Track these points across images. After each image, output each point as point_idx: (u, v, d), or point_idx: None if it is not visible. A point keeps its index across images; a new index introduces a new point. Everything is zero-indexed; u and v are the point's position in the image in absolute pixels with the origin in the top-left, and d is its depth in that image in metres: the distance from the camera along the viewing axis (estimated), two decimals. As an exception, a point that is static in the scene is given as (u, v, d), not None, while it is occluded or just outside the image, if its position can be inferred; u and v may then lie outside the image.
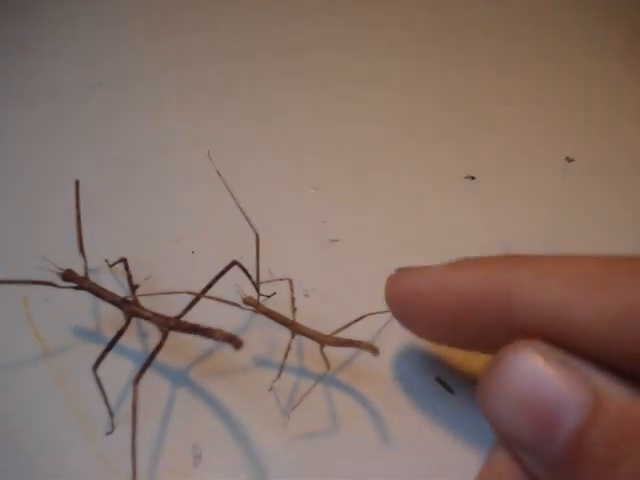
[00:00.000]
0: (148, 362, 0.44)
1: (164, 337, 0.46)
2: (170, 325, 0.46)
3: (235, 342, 0.40)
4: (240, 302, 0.47)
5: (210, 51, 0.79)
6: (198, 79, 0.75)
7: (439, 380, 0.49)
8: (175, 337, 0.46)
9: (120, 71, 0.75)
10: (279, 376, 0.47)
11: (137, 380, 0.43)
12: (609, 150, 0.69)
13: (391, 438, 0.47)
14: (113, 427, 0.46)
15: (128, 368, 0.49)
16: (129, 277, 0.50)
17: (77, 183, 0.50)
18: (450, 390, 0.49)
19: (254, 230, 0.48)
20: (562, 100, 0.74)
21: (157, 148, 0.67)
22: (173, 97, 0.73)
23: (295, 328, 0.48)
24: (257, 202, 0.57)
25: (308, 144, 0.68)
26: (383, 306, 0.45)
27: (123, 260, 0.51)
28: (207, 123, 0.70)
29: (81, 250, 0.49)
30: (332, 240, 0.58)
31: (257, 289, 0.48)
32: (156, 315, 0.46)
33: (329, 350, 0.48)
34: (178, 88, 0.74)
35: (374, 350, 0.46)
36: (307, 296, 0.54)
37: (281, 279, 0.51)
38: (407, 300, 0.42)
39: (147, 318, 0.47)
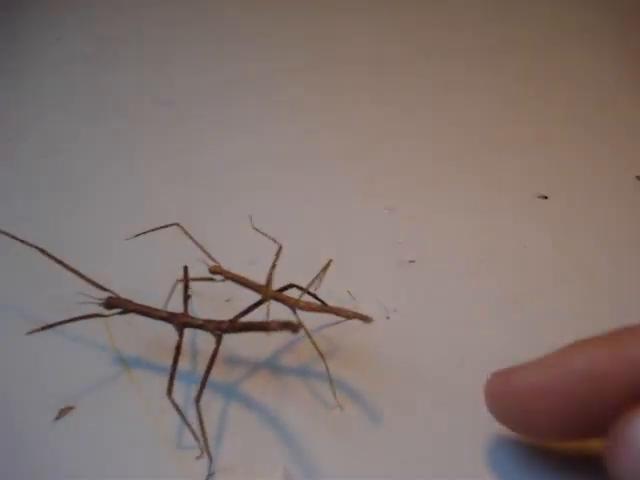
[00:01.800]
0: (207, 373, 0.43)
1: (218, 342, 0.45)
2: (223, 328, 0.45)
3: (292, 327, 0.39)
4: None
5: (275, 67, 0.80)
6: (265, 96, 0.76)
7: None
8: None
9: (188, 89, 0.76)
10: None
11: (199, 398, 0.42)
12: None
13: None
14: (202, 451, 0.44)
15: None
16: (185, 287, 0.48)
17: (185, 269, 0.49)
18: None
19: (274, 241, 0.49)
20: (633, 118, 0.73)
21: (226, 165, 0.67)
22: (240, 114, 0.74)
23: (267, 293, 0.46)
24: (328, 222, 0.61)
25: (378, 161, 0.68)
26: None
27: (184, 268, 0.49)
28: (275, 140, 0.71)
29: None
30: (410, 261, 0.57)
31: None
32: (208, 321, 0.45)
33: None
34: (246, 105, 0.75)
35: (366, 319, 0.45)
36: (389, 318, 0.53)
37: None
38: (517, 401, 0.40)
39: (199, 326, 0.46)
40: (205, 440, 0.43)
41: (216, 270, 0.47)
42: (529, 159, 0.68)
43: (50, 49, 0.83)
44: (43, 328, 0.45)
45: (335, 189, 0.65)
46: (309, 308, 0.47)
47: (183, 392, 0.48)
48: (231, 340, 0.45)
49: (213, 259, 0.48)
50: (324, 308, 0.47)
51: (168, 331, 0.50)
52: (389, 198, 0.63)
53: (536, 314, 0.54)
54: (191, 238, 0.48)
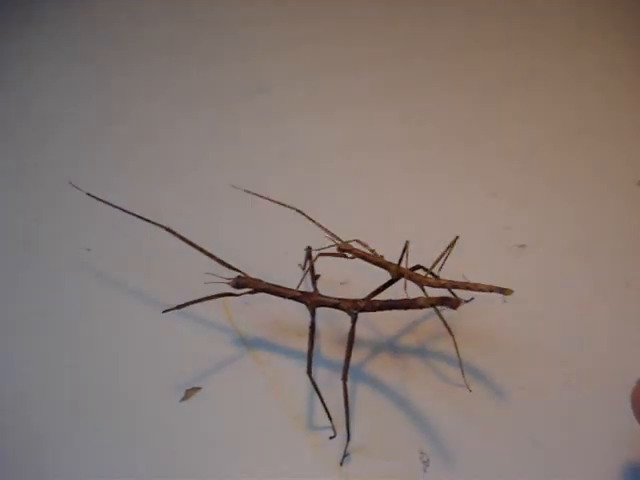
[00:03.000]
0: (349, 354, 0.42)
1: (354, 320, 0.44)
2: (361, 307, 0.44)
3: (451, 302, 0.38)
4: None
5: (372, 52, 0.80)
6: (361, 81, 0.76)
7: None
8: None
9: (282, 76, 0.76)
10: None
11: (345, 376, 0.42)
12: None
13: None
14: (335, 431, 0.43)
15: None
16: (311, 267, 0.47)
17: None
18: None
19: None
20: None
21: (332, 150, 0.67)
22: (337, 98, 0.74)
23: (399, 271, 0.46)
24: (435, 209, 0.60)
25: (479, 146, 0.67)
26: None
27: (308, 249, 0.49)
28: (370, 124, 0.70)
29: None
30: (520, 246, 0.57)
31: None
32: (343, 300, 0.44)
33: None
34: (340, 90, 0.75)
35: (506, 291, 0.43)
36: (505, 302, 0.52)
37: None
38: None
39: (334, 305, 0.45)
40: (347, 419, 0.42)
41: (346, 248, 0.46)
42: (629, 147, 0.68)
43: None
44: (178, 307, 0.44)
45: (439, 174, 0.65)
46: (439, 285, 0.46)
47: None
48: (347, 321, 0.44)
49: (339, 239, 0.47)
50: (455, 283, 0.46)
51: (287, 312, 0.49)
52: (493, 184, 0.63)
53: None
54: (313, 221, 0.47)
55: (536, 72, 0.77)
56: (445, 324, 0.44)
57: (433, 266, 0.47)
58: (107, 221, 0.54)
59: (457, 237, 0.48)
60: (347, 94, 0.74)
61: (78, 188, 0.47)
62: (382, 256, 0.47)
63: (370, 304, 0.44)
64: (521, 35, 0.83)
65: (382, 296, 0.45)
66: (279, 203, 0.48)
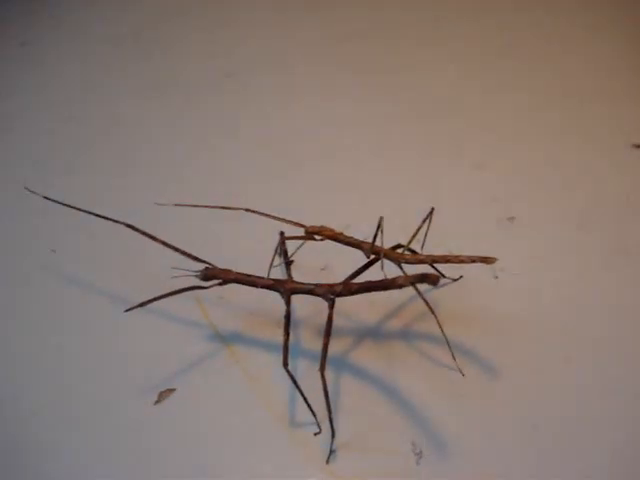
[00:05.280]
0: (326, 343, 0.40)
1: (331, 307, 0.41)
2: (337, 291, 0.41)
3: (430, 279, 0.35)
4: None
5: (339, 31, 0.76)
6: (328, 60, 0.72)
7: None
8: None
9: (249, 61, 0.73)
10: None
11: (323, 367, 0.39)
12: None
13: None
14: (320, 427, 0.41)
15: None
16: (284, 253, 0.44)
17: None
18: None
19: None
20: None
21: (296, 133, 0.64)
22: (312, 79, 0.71)
23: (372, 249, 0.43)
24: (418, 184, 0.57)
25: (463, 120, 0.64)
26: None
27: (281, 234, 0.46)
28: (346, 104, 0.67)
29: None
30: (509, 218, 0.54)
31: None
32: (319, 285, 0.41)
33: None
34: (313, 70, 0.71)
35: (488, 259, 0.41)
36: (497, 277, 0.49)
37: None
38: None
39: (309, 291, 0.42)
40: (330, 413, 0.39)
41: (314, 230, 0.43)
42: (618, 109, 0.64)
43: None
44: (141, 304, 0.41)
45: (423, 146, 0.62)
46: (418, 260, 0.43)
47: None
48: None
49: (303, 225, 0.43)
50: (434, 258, 0.43)
51: (263, 303, 0.46)
52: (478, 156, 0.60)
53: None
54: (266, 215, 0.43)
55: (518, 40, 0.74)
56: (426, 303, 0.41)
57: (410, 242, 0.44)
58: (71, 222, 0.51)
59: (432, 209, 0.45)
60: (319, 73, 0.71)
61: (33, 192, 0.45)
62: (352, 237, 0.44)
63: (347, 288, 0.41)
64: (501, 3, 0.80)
65: (362, 279, 0.42)
66: (223, 207, 0.44)
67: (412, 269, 0.43)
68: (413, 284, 0.37)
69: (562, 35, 0.74)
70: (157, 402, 0.43)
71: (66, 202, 0.44)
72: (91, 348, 0.47)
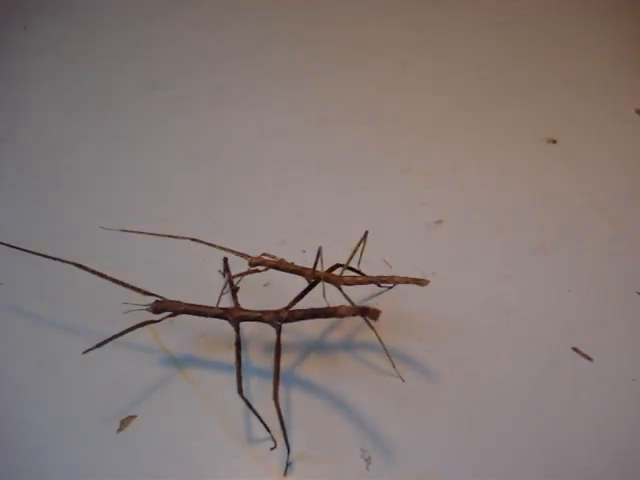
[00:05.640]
0: (277, 368, 0.42)
1: (279, 332, 0.44)
2: (283, 318, 0.44)
3: (370, 313, 0.38)
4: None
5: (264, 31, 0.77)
6: (256, 63, 0.74)
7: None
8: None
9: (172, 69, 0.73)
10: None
11: (276, 395, 0.42)
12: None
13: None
14: (275, 441, 0.44)
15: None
16: (230, 279, 0.47)
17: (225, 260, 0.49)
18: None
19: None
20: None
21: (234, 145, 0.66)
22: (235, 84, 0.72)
23: (315, 275, 0.46)
24: (348, 193, 0.60)
25: (384, 122, 0.67)
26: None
27: (225, 260, 0.49)
28: (276, 111, 0.69)
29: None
30: (436, 222, 0.57)
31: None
32: (265, 312, 0.44)
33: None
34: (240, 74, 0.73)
35: (422, 282, 0.45)
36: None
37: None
38: None
39: (257, 319, 0.45)
40: (284, 433, 0.42)
41: (257, 262, 0.46)
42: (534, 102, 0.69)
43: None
44: (98, 345, 0.43)
45: (350, 154, 0.64)
46: (355, 282, 0.47)
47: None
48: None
49: (245, 255, 0.46)
50: (370, 279, 0.47)
51: (213, 325, 0.49)
52: (403, 159, 0.63)
53: (567, 262, 0.55)
54: (211, 245, 0.46)
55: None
56: (370, 326, 0.45)
57: (348, 263, 0.47)
58: (18, 255, 0.52)
59: (367, 232, 0.48)
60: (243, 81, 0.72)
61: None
62: (292, 263, 0.47)
63: (292, 314, 0.44)
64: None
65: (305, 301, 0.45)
66: (170, 236, 0.46)
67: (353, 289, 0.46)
68: (354, 315, 0.40)
69: (481, 32, 0.77)
70: (119, 430, 0.46)
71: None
72: (48, 383, 0.48)
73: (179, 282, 0.50)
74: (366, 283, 0.47)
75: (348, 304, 0.44)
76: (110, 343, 0.43)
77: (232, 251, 0.45)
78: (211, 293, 0.46)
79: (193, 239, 0.46)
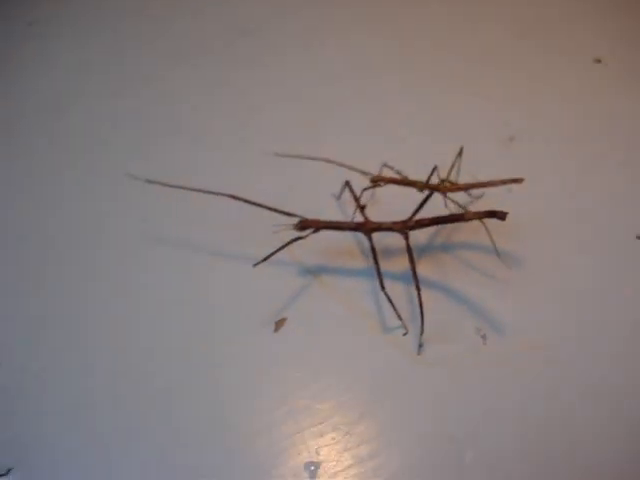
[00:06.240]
0: (413, 268, 0.51)
1: (407, 238, 0.53)
2: (411, 226, 0.53)
3: (498, 214, 0.47)
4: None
5: None
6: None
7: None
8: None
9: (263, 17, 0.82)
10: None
11: (418, 287, 0.51)
12: None
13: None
14: (407, 328, 0.53)
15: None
16: (356, 198, 0.55)
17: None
18: None
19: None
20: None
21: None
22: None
23: (423, 186, 0.56)
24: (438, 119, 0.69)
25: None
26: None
27: (346, 183, 0.57)
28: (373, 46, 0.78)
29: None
30: (510, 139, 0.66)
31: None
32: (395, 223, 0.53)
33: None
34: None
35: (518, 180, 0.55)
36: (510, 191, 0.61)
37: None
38: None
39: (388, 228, 0.53)
40: (422, 318, 0.52)
41: (377, 179, 0.55)
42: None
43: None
44: (264, 259, 0.52)
45: (416, 81, 0.74)
46: (457, 188, 0.56)
47: (369, 286, 0.56)
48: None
49: (366, 172, 0.55)
50: (472, 184, 0.56)
51: (335, 239, 0.58)
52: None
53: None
54: (341, 164, 0.55)
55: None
56: (485, 228, 0.54)
57: (448, 175, 0.57)
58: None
59: (462, 147, 0.57)
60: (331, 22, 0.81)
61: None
62: (406, 177, 0.56)
63: (419, 222, 0.53)
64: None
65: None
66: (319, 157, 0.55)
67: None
68: (480, 218, 0.50)
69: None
70: (276, 330, 0.55)
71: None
72: (214, 293, 0.57)
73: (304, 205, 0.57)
74: (467, 189, 0.57)
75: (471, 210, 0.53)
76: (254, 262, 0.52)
77: (359, 170, 0.54)
78: (329, 212, 0.56)
79: (327, 159, 0.56)
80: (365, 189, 0.56)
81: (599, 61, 0.73)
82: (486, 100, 0.71)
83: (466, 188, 0.56)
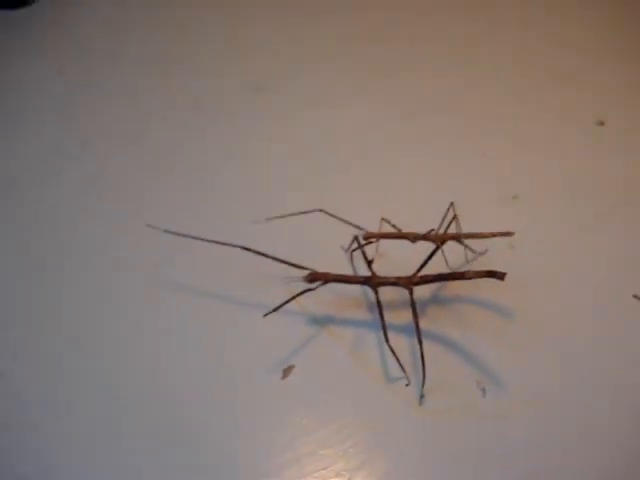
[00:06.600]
0: (416, 323, 0.54)
1: (411, 294, 0.55)
2: (415, 282, 0.55)
3: (498, 275, 0.50)
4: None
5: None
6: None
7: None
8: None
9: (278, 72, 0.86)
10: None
11: (420, 341, 0.54)
12: None
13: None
14: (409, 379, 0.56)
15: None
16: (363, 253, 0.58)
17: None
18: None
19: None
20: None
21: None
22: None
23: (415, 237, 0.60)
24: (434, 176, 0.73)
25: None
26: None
27: (355, 238, 0.59)
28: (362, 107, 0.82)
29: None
30: (514, 197, 0.70)
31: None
32: (399, 278, 0.56)
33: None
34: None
35: (508, 234, 0.58)
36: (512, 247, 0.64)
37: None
38: None
39: (393, 283, 0.56)
40: (424, 370, 0.54)
41: (368, 235, 0.59)
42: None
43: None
44: (274, 309, 0.54)
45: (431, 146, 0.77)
46: (448, 238, 0.60)
47: (374, 337, 0.59)
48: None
49: (361, 227, 0.59)
50: (466, 235, 0.59)
51: (343, 291, 0.61)
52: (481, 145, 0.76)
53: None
54: (338, 218, 0.59)
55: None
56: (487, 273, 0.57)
57: (439, 227, 0.60)
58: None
59: (452, 203, 0.60)
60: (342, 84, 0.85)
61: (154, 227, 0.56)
62: (400, 230, 0.60)
63: (423, 278, 0.56)
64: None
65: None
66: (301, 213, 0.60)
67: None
68: (481, 277, 0.52)
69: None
70: (283, 377, 0.57)
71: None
72: (221, 346, 0.60)
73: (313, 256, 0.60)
74: (460, 238, 0.60)
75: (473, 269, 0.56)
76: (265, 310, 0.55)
77: (351, 224, 0.58)
78: (334, 265, 0.58)
79: (322, 210, 0.60)
80: (362, 246, 0.58)
81: (602, 123, 0.76)
82: (488, 158, 0.74)
83: (455, 237, 0.59)
